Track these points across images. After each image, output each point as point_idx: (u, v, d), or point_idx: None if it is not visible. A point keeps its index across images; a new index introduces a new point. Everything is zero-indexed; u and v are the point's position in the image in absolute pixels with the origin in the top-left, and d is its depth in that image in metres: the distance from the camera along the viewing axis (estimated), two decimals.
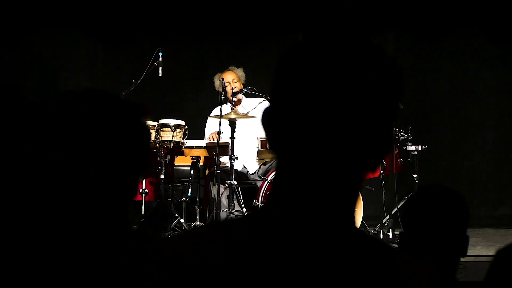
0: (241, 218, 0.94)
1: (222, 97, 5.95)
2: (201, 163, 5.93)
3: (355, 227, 0.91)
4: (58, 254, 1.21)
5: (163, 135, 5.76)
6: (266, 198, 5.64)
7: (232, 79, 6.12)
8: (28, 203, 1.21)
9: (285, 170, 0.90)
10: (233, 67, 6.31)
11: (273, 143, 0.91)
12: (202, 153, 5.93)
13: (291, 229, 0.88)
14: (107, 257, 1.23)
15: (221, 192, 5.70)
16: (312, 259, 0.87)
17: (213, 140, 6.03)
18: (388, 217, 5.68)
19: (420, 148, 5.84)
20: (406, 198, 5.65)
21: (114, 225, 1.27)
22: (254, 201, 5.74)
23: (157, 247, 0.91)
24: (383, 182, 5.71)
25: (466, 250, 2.03)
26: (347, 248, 0.89)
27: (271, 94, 0.92)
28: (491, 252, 5.04)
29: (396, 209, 5.76)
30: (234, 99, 5.85)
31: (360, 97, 0.86)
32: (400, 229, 2.09)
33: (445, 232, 1.97)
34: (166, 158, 5.78)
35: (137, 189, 1.32)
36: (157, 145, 5.76)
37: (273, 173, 5.80)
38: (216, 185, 5.54)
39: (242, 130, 5.90)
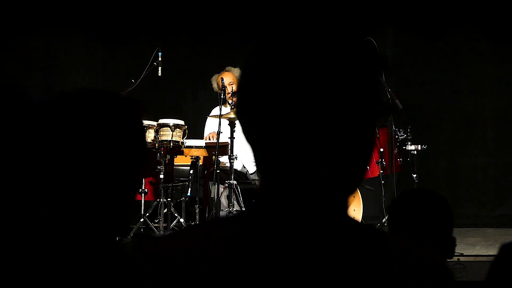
0: (234, 215, 0.95)
1: (222, 96, 5.94)
2: (200, 162, 5.93)
3: (348, 216, 0.91)
4: (57, 253, 1.21)
5: (162, 135, 5.76)
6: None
7: (228, 82, 6.07)
8: (26, 203, 1.21)
9: (269, 168, 0.91)
10: (230, 67, 6.27)
11: (253, 145, 0.91)
12: (202, 153, 5.93)
13: (282, 223, 0.89)
14: (106, 256, 1.23)
15: (221, 192, 5.70)
16: (306, 251, 0.87)
17: (211, 139, 6.02)
18: (387, 217, 5.67)
19: (419, 148, 5.84)
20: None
21: (114, 223, 1.28)
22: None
23: (152, 245, 0.92)
24: (383, 182, 5.71)
25: (453, 251, 2.04)
26: (342, 238, 0.89)
27: (237, 102, 0.92)
28: (491, 252, 5.04)
29: None
30: (233, 100, 5.82)
31: (335, 89, 0.86)
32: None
33: (430, 235, 1.98)
34: (166, 158, 5.78)
35: (138, 185, 1.32)
36: (156, 144, 5.76)
37: None
38: (216, 185, 5.54)
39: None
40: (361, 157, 0.90)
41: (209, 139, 6.12)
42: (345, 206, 0.91)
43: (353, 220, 0.92)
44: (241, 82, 0.92)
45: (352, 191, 0.91)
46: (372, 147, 0.92)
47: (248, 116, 0.90)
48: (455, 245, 2.07)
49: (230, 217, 0.94)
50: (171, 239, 0.92)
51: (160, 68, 6.10)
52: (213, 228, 0.92)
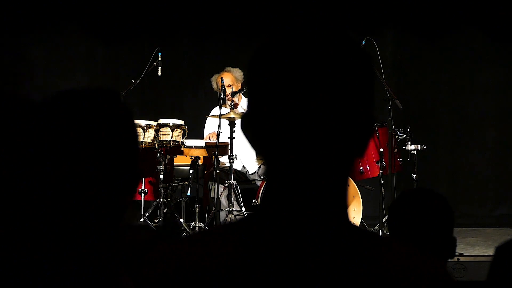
0: (239, 220, 0.96)
1: (221, 96, 5.94)
2: (200, 162, 5.93)
3: (348, 220, 0.93)
4: (55, 253, 1.20)
5: (162, 135, 5.76)
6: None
7: (228, 84, 6.08)
8: (22, 203, 1.21)
9: (274, 171, 0.92)
10: (230, 68, 6.27)
11: (257, 147, 0.93)
12: (202, 153, 5.93)
13: (286, 228, 0.90)
14: (108, 256, 1.23)
15: (221, 192, 5.70)
16: (308, 257, 0.88)
17: (211, 139, 6.02)
18: (387, 216, 5.67)
19: (419, 148, 5.83)
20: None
21: (113, 221, 1.27)
22: (253, 200, 5.74)
23: (160, 251, 0.93)
24: (382, 181, 5.71)
25: (454, 251, 2.04)
26: (342, 243, 0.90)
27: (248, 99, 0.96)
28: (491, 252, 5.04)
29: None
30: (232, 101, 5.81)
31: (332, 87, 0.88)
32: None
33: (431, 235, 1.98)
34: (166, 158, 5.78)
35: (136, 176, 1.31)
36: (156, 144, 5.76)
37: None
38: (216, 185, 5.54)
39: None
40: (359, 150, 0.93)
41: (209, 139, 6.12)
42: (345, 207, 0.92)
43: (353, 226, 0.93)
44: (249, 94, 0.95)
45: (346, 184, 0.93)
46: (368, 144, 0.95)
47: (256, 123, 0.92)
48: (456, 245, 2.07)
49: (235, 223, 0.95)
50: (180, 246, 0.93)
51: (160, 68, 6.10)
52: (220, 235, 0.93)
